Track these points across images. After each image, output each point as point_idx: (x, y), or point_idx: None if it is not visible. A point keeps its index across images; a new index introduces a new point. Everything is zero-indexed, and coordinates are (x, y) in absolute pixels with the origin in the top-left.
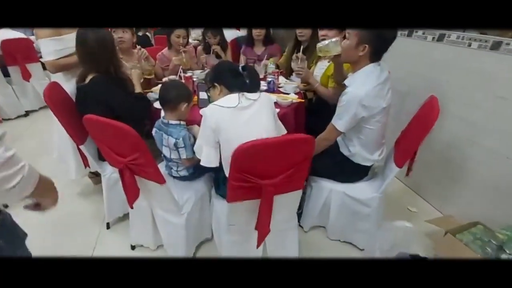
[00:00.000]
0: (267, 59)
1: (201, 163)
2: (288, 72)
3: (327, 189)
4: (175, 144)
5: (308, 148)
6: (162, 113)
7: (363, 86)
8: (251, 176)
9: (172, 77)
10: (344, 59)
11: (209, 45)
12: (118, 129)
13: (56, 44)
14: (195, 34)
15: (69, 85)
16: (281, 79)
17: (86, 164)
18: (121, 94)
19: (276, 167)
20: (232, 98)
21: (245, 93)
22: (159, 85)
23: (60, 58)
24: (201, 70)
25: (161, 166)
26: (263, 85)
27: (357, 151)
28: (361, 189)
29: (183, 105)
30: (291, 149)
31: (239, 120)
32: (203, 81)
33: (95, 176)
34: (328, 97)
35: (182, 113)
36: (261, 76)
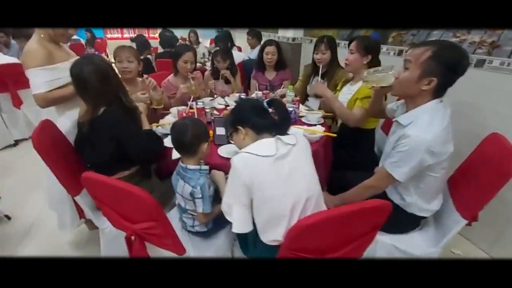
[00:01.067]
0: (280, 84)
1: (233, 230)
2: (303, 98)
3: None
4: (191, 194)
5: (382, 216)
6: (175, 154)
7: (430, 129)
8: (305, 254)
9: (182, 107)
10: (398, 93)
11: (218, 70)
12: (130, 194)
13: (47, 74)
14: (198, 55)
15: (63, 120)
16: (301, 107)
17: (82, 215)
18: (134, 129)
19: (336, 242)
20: (267, 144)
21: (281, 137)
22: (167, 117)
23: (52, 90)
24: (211, 98)
25: (173, 214)
26: None
27: (413, 201)
28: (414, 242)
29: (204, 146)
30: (359, 219)
31: (279, 172)
32: (219, 115)
33: (91, 220)
34: (350, 120)
35: (203, 154)
36: None
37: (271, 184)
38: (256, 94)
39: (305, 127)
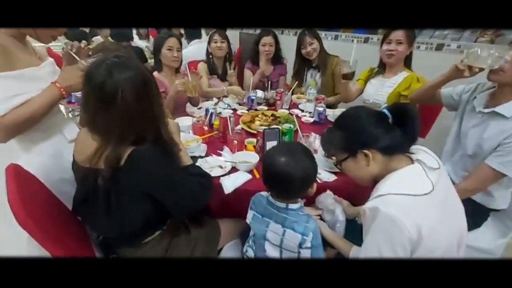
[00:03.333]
0: (277, 80)
1: None
2: None
3: None
4: (301, 244)
5: None
6: (227, 185)
7: None
8: None
9: (194, 119)
10: (506, 80)
11: (215, 63)
12: None
13: (5, 87)
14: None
15: (29, 158)
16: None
17: None
18: (180, 174)
19: None
20: (417, 176)
21: (424, 161)
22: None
23: (12, 110)
24: (214, 102)
25: None
26: (307, 115)
27: (500, 195)
28: (482, 236)
29: (313, 189)
30: None
31: (437, 210)
32: (268, 127)
33: None
34: None
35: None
36: (287, 106)
37: (438, 228)
38: (265, 93)
39: None
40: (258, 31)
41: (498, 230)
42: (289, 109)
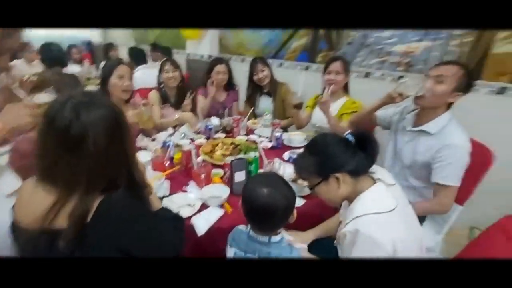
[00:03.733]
0: (230, 106)
1: None
2: None
3: None
4: None
5: None
6: (199, 226)
7: (464, 134)
8: None
9: (154, 154)
10: (428, 103)
11: (166, 92)
12: None
13: None
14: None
15: None
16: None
17: None
18: (153, 223)
19: None
20: (383, 193)
21: (382, 179)
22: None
23: None
24: (169, 133)
25: None
26: (264, 140)
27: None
28: (424, 236)
29: (293, 217)
30: None
31: (404, 222)
32: (236, 158)
33: None
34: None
35: None
36: (244, 132)
37: (408, 238)
38: (221, 121)
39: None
40: (205, 57)
41: (433, 228)
42: (246, 134)
